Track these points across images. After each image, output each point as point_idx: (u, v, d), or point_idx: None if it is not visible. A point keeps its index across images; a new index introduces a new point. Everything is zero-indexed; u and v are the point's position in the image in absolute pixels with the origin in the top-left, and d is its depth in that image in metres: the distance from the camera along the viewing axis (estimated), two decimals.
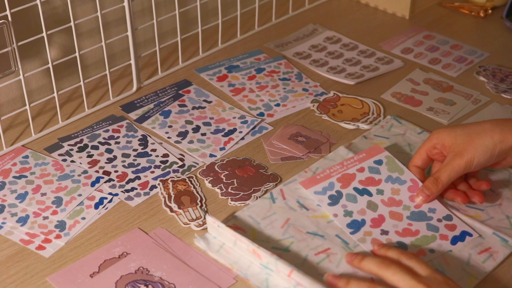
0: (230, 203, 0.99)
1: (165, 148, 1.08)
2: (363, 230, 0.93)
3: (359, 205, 0.96)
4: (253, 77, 1.25)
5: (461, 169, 0.94)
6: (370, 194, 0.98)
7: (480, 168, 0.96)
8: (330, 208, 0.95)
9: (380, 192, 0.98)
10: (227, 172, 1.03)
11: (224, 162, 1.06)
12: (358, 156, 1.03)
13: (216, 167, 1.04)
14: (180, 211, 0.97)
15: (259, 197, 0.99)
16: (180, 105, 1.18)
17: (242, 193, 1.00)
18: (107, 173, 1.04)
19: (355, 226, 0.94)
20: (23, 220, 0.96)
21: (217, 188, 1.01)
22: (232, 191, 1.00)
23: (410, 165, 1.01)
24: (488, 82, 1.24)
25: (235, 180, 1.02)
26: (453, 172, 0.94)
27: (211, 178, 1.02)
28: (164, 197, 0.99)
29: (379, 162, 1.02)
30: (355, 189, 0.99)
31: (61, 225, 0.95)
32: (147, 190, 1.01)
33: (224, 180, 1.02)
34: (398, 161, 1.02)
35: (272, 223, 0.95)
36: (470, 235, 0.93)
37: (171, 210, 0.97)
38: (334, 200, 0.97)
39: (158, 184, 1.02)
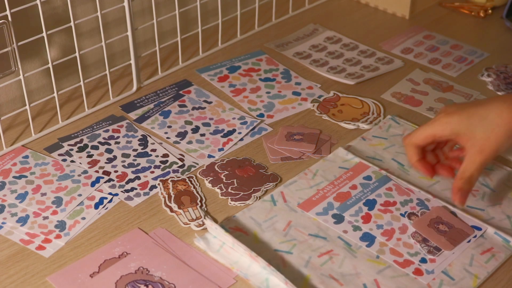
0: (230, 203, 0.99)
1: (165, 148, 1.08)
2: (378, 241, 0.93)
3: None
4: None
5: (488, 163, 0.95)
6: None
7: None
8: (337, 227, 0.95)
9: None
10: (227, 172, 1.03)
11: (224, 162, 1.05)
12: (346, 175, 1.03)
13: (216, 167, 1.04)
14: (180, 211, 0.97)
15: (259, 197, 0.99)
16: (180, 105, 1.18)
17: (242, 193, 1.00)
18: (107, 173, 1.04)
19: (369, 238, 0.93)
20: (23, 220, 0.96)
21: (217, 188, 1.01)
22: (232, 191, 1.00)
23: (410, 142, 0.96)
24: (493, 81, 1.24)
25: (235, 180, 1.02)
26: (483, 167, 0.93)
27: (211, 178, 1.02)
28: (164, 197, 0.99)
29: (369, 178, 1.02)
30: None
31: (61, 225, 0.95)
32: (147, 190, 1.01)
33: (224, 180, 1.02)
34: (385, 172, 1.03)
35: (274, 225, 0.95)
36: (479, 229, 0.94)
37: (171, 210, 0.97)
38: (339, 218, 0.96)
39: (158, 184, 1.02)
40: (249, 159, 1.06)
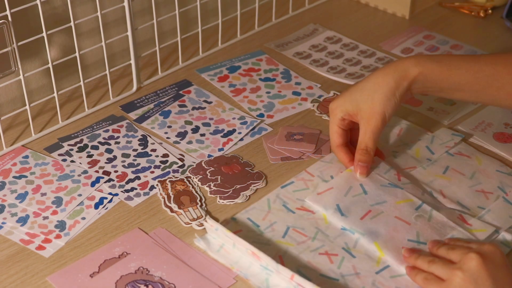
0: (218, 201, 0.98)
1: (165, 148, 1.09)
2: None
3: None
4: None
5: (380, 129, 0.98)
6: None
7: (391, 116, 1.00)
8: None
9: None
10: (213, 169, 1.03)
11: (212, 159, 1.05)
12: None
13: (203, 163, 1.04)
14: (181, 211, 0.97)
15: (249, 195, 0.99)
16: (180, 105, 1.18)
17: (230, 191, 0.99)
18: (107, 173, 1.04)
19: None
20: (23, 220, 0.96)
21: (206, 186, 1.01)
22: (217, 189, 1.00)
23: (334, 147, 1.02)
24: None
25: (219, 177, 1.02)
26: (375, 135, 0.98)
27: (201, 177, 1.02)
28: (164, 198, 0.99)
29: None
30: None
31: (61, 225, 0.95)
32: (147, 190, 1.01)
33: (208, 177, 1.02)
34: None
35: (272, 226, 0.95)
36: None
37: (171, 210, 0.97)
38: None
39: (157, 185, 1.01)
40: (237, 157, 1.06)
